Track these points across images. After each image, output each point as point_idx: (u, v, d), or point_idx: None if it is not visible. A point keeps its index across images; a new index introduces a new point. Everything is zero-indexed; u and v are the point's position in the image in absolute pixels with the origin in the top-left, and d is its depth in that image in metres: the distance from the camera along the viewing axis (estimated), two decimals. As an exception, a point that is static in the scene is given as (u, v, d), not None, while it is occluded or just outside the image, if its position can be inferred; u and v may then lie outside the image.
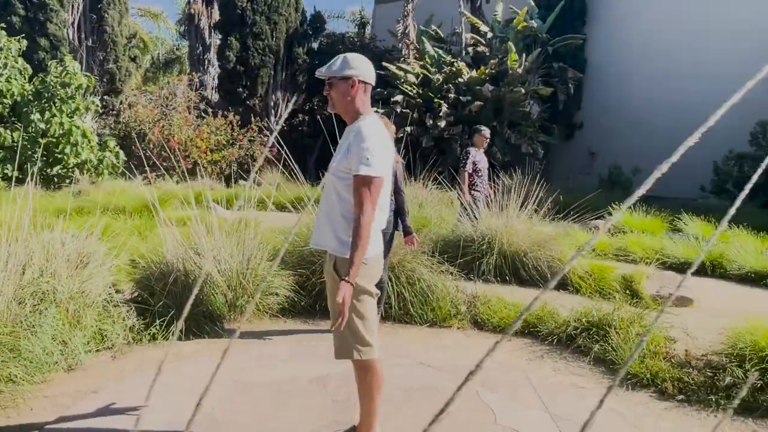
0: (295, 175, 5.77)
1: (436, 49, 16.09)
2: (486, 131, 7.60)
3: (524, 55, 14.68)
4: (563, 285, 5.83)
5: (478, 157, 7.45)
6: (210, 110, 16.14)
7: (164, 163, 14.28)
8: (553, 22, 16.56)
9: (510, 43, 14.42)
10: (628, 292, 5.61)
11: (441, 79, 14.49)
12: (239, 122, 15.80)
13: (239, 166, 15.37)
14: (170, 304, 4.28)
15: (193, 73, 19.13)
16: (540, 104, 14.82)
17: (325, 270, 2.63)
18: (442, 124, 14.05)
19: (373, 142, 2.41)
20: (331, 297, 2.59)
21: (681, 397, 3.48)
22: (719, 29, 15.82)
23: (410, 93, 14.67)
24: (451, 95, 14.22)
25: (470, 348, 4.29)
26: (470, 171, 7.11)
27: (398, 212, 4.36)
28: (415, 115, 14.28)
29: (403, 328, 4.65)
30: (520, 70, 14.24)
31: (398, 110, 14.30)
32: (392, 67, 15.11)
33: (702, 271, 6.82)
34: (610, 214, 9.50)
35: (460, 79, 14.54)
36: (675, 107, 16.43)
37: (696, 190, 14.56)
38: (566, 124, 17.29)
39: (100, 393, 3.33)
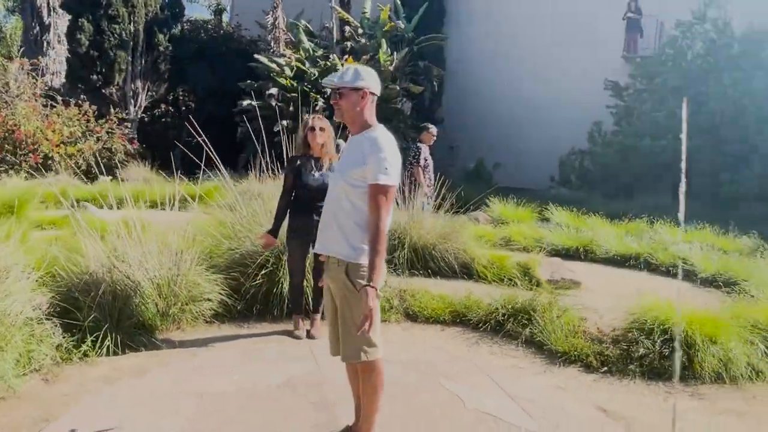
0: (162, 169, 5.56)
1: (310, 42, 16.06)
2: (434, 129, 7.96)
3: (395, 53, 15.22)
4: (470, 274, 6.28)
5: (426, 153, 7.86)
6: (58, 99, 14.59)
7: (8, 158, 12.73)
8: (418, 23, 17.37)
9: (383, 41, 14.86)
10: (526, 278, 6.21)
11: (317, 74, 14.52)
12: (95, 113, 14.50)
13: (97, 160, 14.12)
14: (101, 317, 3.98)
15: (39, 58, 17.09)
16: (411, 101, 15.48)
17: (331, 276, 2.67)
18: (319, 118, 14.11)
19: (391, 152, 2.52)
20: (340, 302, 2.64)
21: (605, 369, 4.02)
22: (567, 33, 17.62)
23: (286, 86, 14.52)
24: (328, 90, 14.31)
25: (411, 341, 4.52)
26: (422, 166, 7.52)
27: None
28: (291, 108, 14.17)
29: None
30: (391, 68, 14.74)
31: (273, 103, 14.09)
32: (264, 59, 14.83)
33: (576, 256, 7.72)
34: (486, 205, 10.37)
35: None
36: (525, 105, 18.16)
37: (547, 181, 16.19)
38: (430, 121, 18.26)
39: (52, 422, 3.05)
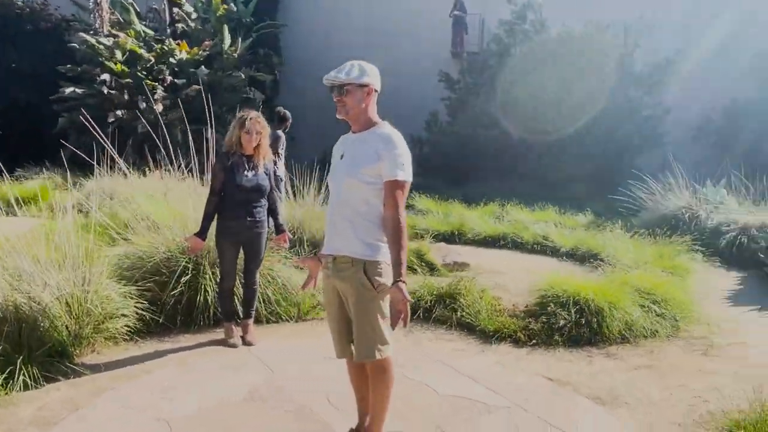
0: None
1: (142, 24, 14.70)
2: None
3: (240, 40, 14.63)
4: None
5: None
6: None
7: None
8: (255, 8, 16.87)
9: (224, 27, 14.17)
10: (423, 263, 6.52)
11: (152, 59, 13.38)
12: None
13: None
14: (10, 349, 3.37)
15: None
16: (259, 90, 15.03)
17: (342, 277, 2.58)
18: (159, 108, 13.06)
19: (404, 148, 2.52)
20: (355, 302, 2.58)
21: (533, 342, 4.43)
22: (400, 27, 18.40)
23: (117, 72, 13.16)
24: (168, 77, 13.30)
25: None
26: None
27: (270, 211, 4.26)
28: (125, 97, 12.92)
29: (273, 328, 4.58)
30: (236, 54, 14.15)
31: (105, 91, 12.71)
32: (91, 40, 13.26)
33: (452, 240, 8.27)
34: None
35: (172, 59, 13.68)
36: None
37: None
38: (272, 111, 17.93)
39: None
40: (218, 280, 4.26)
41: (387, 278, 2.54)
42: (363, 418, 2.88)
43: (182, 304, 4.35)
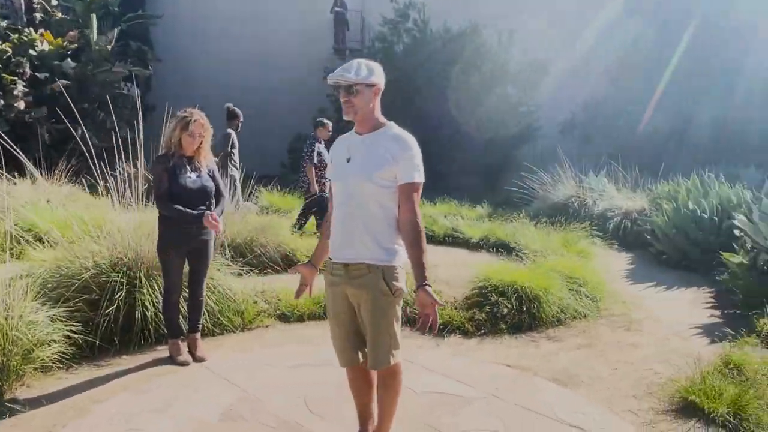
0: None
1: (-7, 12, 13.00)
2: (329, 123, 7.42)
3: (110, 31, 13.47)
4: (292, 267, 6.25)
5: (321, 149, 7.26)
6: None
7: None
8: (122, -1, 15.65)
9: (92, 16, 12.97)
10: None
11: (9, 51, 11.91)
12: None
13: None
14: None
15: None
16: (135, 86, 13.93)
17: (357, 284, 2.50)
18: (21, 105, 11.69)
19: (417, 149, 2.49)
20: (371, 308, 2.51)
21: (481, 331, 4.61)
22: (280, 22, 18.03)
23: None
24: (27, 71, 11.91)
25: (307, 341, 4.40)
26: (315, 163, 6.97)
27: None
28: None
29: (219, 340, 4.32)
30: (109, 47, 13.03)
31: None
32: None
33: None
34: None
35: (32, 51, 12.28)
36: (248, 92, 18.06)
37: (279, 167, 16.54)
38: (144, 108, 16.76)
39: None
40: (162, 293, 3.93)
41: (402, 282, 2.52)
42: (366, 425, 2.82)
43: (119, 323, 3.95)
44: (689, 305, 5.61)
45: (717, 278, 6.10)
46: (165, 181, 3.71)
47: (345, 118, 2.54)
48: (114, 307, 3.92)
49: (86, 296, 3.93)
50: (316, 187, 7.49)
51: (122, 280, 4.03)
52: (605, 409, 3.40)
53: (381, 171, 2.44)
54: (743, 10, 14.20)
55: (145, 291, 4.08)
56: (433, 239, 8.21)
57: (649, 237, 7.47)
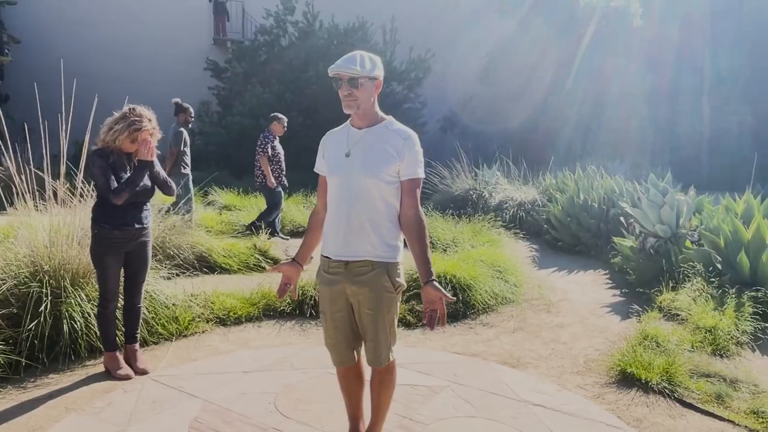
0: None
1: None
2: (285, 119, 7.13)
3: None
4: (211, 268, 5.98)
5: (275, 143, 7.07)
6: None
7: None
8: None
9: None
10: (270, 260, 6.32)
11: None
12: None
13: None
14: None
15: None
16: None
17: (360, 281, 2.43)
18: None
19: (420, 145, 2.49)
20: (374, 305, 2.47)
21: (421, 323, 4.71)
22: (155, 12, 16.90)
23: None
24: None
25: (254, 344, 4.22)
26: (270, 156, 6.57)
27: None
28: None
29: (157, 350, 4.01)
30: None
31: None
32: None
33: (274, 233, 8.10)
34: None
35: None
36: (119, 83, 16.72)
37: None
38: (-3, 97, 14.95)
39: None
40: (97, 302, 3.56)
41: (402, 278, 2.52)
42: (358, 424, 2.79)
43: (46, 338, 3.53)
44: (592, 286, 6.16)
45: (611, 261, 6.76)
46: (110, 175, 3.37)
47: (346, 111, 2.46)
48: (38, 321, 3.50)
49: (4, 310, 3.46)
50: (273, 181, 7.27)
51: (45, 290, 3.60)
52: (558, 386, 3.65)
53: (388, 167, 2.40)
54: (614, 15, 15.67)
55: (71, 301, 3.68)
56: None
57: (546, 226, 8.07)
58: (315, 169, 2.67)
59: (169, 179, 3.69)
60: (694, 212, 6.52)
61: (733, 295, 4.85)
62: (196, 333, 4.33)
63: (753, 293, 4.82)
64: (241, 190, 10.43)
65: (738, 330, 4.38)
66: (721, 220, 5.85)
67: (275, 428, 3.00)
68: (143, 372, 3.60)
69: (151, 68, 16.94)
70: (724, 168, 14.56)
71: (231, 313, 4.59)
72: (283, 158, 7.51)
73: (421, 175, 2.48)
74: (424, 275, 2.40)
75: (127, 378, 3.52)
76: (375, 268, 2.44)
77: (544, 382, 3.71)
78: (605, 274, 6.63)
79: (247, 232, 7.46)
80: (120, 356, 3.63)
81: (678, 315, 4.77)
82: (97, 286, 3.66)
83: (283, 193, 7.76)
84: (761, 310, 4.63)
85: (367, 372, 2.70)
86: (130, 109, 3.46)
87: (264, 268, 6.15)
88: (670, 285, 5.31)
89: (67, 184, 4.06)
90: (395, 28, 15.77)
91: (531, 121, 15.87)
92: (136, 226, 3.51)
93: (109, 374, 3.55)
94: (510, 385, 3.60)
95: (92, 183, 3.52)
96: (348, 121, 2.56)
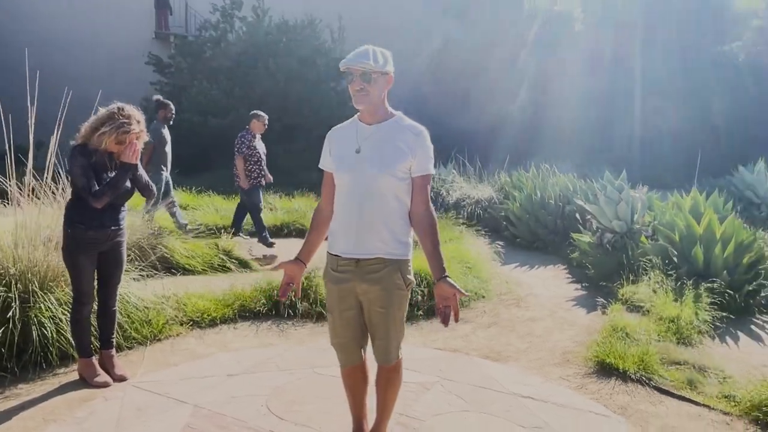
0: None
1: None
2: (265, 117, 6.83)
3: None
4: (170, 270, 5.77)
5: (254, 142, 6.72)
6: None
7: None
8: None
9: None
10: (233, 260, 6.17)
11: None
12: None
13: None
14: None
15: None
16: None
17: (371, 279, 2.39)
18: None
19: (430, 141, 2.48)
20: (386, 303, 2.44)
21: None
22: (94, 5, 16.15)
23: None
24: None
25: (230, 346, 4.10)
26: (247, 155, 6.17)
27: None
28: None
29: (131, 355, 3.83)
30: None
31: None
32: None
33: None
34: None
35: None
36: (57, 77, 15.86)
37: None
38: None
39: None
40: (73, 305, 3.36)
41: (412, 275, 2.51)
42: (362, 423, 2.76)
43: (15, 346, 3.31)
44: (554, 281, 6.35)
45: (569, 256, 6.98)
46: (92, 175, 3.20)
47: (357, 107, 2.43)
48: (5, 327, 3.28)
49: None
50: (245, 182, 7.01)
51: (12, 295, 3.37)
52: (541, 378, 3.74)
53: (401, 163, 2.38)
54: (557, 19, 16.16)
55: (41, 306, 3.47)
56: (303, 234, 8.13)
57: (504, 222, 8.25)
58: (320, 165, 2.61)
59: (150, 183, 3.54)
60: (647, 209, 6.83)
61: (691, 287, 5.11)
62: (170, 336, 4.17)
63: (709, 284, 5.09)
64: (193, 188, 10.12)
65: (698, 319, 4.62)
66: (674, 215, 6.16)
67: (273, 431, 2.93)
68: (122, 378, 3.44)
69: (89, 61, 16.19)
70: (657, 167, 15.32)
71: (205, 315, 4.45)
72: (263, 157, 7.18)
73: (432, 171, 2.47)
74: (437, 272, 2.39)
75: (105, 385, 3.35)
76: (387, 266, 2.42)
77: (527, 374, 3.79)
78: (564, 269, 6.85)
79: (245, 236, 7.43)
80: (96, 362, 3.44)
81: (641, 307, 4.98)
82: (69, 289, 3.47)
83: (261, 192, 7.43)
84: (718, 300, 4.91)
85: (371, 371, 2.68)
86: (118, 108, 3.29)
87: (230, 268, 6.01)
88: (630, 278, 5.54)
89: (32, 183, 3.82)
90: (343, 26, 15.71)
91: (478, 120, 16.16)
92: (113, 227, 3.35)
93: (85, 382, 3.37)
94: (496, 378, 3.66)
95: (70, 180, 3.33)
96: (355, 116, 2.53)
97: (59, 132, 4.07)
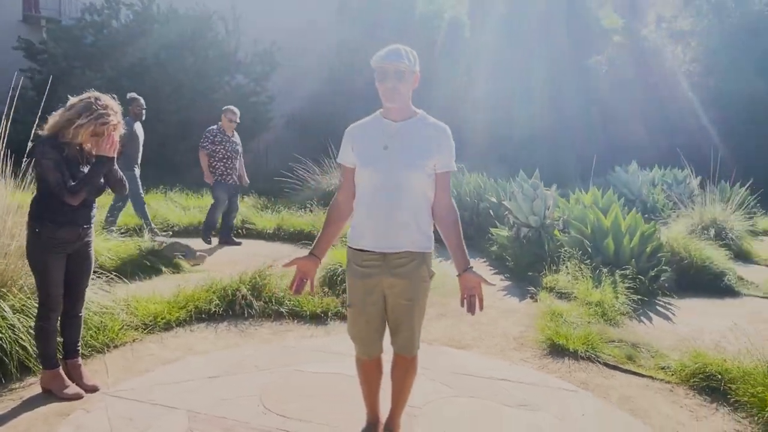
0: None
1: None
2: (231, 111, 6.42)
3: None
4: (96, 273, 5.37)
5: (219, 137, 6.32)
6: None
7: None
8: None
9: None
10: (163, 261, 5.86)
11: None
12: None
13: None
14: None
15: None
16: None
17: (398, 273, 2.47)
18: None
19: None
20: (412, 296, 2.54)
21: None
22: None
23: None
24: None
25: (196, 353, 3.93)
26: (210, 150, 5.41)
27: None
28: None
29: (91, 364, 3.55)
30: None
31: None
32: None
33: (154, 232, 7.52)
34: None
35: None
36: None
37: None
38: None
39: None
40: (39, 313, 3.06)
41: (432, 267, 2.62)
42: (377, 413, 2.83)
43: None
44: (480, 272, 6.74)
45: (489, 249, 7.44)
46: (65, 170, 2.94)
47: (388, 105, 2.49)
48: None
49: None
50: (209, 177, 6.60)
51: (-38, 303, 3.02)
52: (507, 362, 4.03)
53: (430, 160, 2.48)
54: (450, 25, 16.82)
55: (-4, 315, 3.13)
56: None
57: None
58: (339, 161, 2.65)
59: (124, 178, 3.32)
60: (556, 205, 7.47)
61: (607, 274, 5.71)
62: (127, 342, 3.92)
63: (622, 272, 5.72)
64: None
65: (619, 303, 5.19)
66: (583, 210, 6.81)
67: (280, 429, 2.91)
68: (93, 389, 3.20)
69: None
70: (537, 167, 16.66)
71: (159, 319, 4.22)
72: (232, 154, 6.71)
73: (455, 167, 2.61)
74: (463, 263, 2.53)
75: (77, 397, 3.10)
76: (414, 259, 2.52)
77: (492, 359, 4.06)
78: (485, 261, 7.28)
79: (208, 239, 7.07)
80: (63, 373, 3.17)
81: (566, 294, 5.48)
82: (23, 295, 3.17)
83: (227, 191, 6.91)
84: (631, 286, 5.53)
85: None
86: (95, 98, 3.04)
87: (161, 269, 5.70)
88: (552, 268, 6.05)
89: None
90: (238, 17, 15.27)
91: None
92: (84, 226, 3.11)
93: (51, 395, 3.10)
94: (467, 365, 3.89)
95: (37, 175, 3.03)
96: (378, 113, 2.59)
97: None
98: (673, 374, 3.88)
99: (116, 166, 3.20)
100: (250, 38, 15.22)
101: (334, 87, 17.32)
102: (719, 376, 3.62)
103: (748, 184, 8.94)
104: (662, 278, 6.01)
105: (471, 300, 2.52)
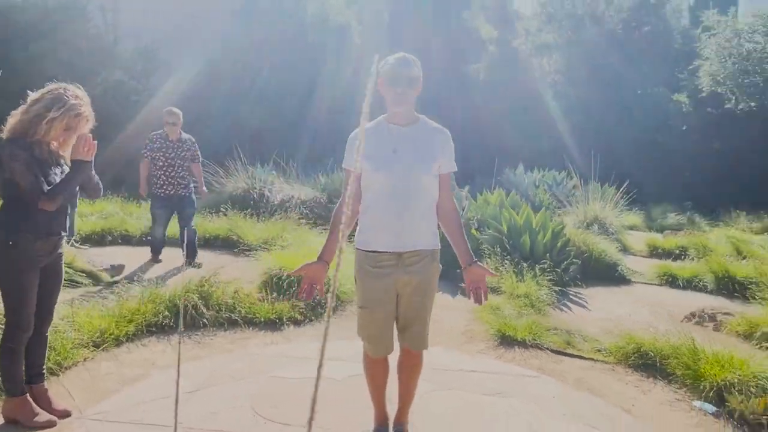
0: None
1: None
2: (171, 113, 5.69)
3: None
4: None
5: (159, 143, 5.59)
6: None
7: None
8: None
9: None
10: (82, 273, 5.40)
11: None
12: None
13: None
14: None
15: None
16: None
17: (413, 271, 2.57)
18: None
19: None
20: (423, 293, 2.63)
21: (309, 318, 4.78)
22: None
23: None
24: None
25: (160, 368, 3.70)
26: (150, 158, 4.57)
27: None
28: None
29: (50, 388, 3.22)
30: None
31: None
32: None
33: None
34: None
35: None
36: None
37: None
38: None
39: None
40: (6, 335, 2.74)
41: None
42: (385, 409, 2.90)
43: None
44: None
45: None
46: (38, 172, 2.66)
47: (395, 109, 2.57)
48: None
49: None
50: (144, 187, 6.01)
51: None
52: (467, 355, 4.26)
53: (435, 162, 2.61)
54: (337, 29, 16.90)
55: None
56: (128, 240, 7.40)
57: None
58: (345, 166, 2.69)
59: (99, 182, 3.06)
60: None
61: (528, 269, 6.18)
62: (79, 362, 3.60)
63: (540, 266, 6.23)
64: None
65: (543, 294, 5.66)
66: (495, 210, 7.29)
67: (282, 435, 2.87)
68: (65, 414, 2.94)
69: None
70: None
71: (107, 335, 3.92)
72: (175, 162, 5.77)
73: (456, 168, 2.76)
74: (467, 257, 2.68)
75: (50, 425, 2.83)
76: (426, 256, 2.65)
77: (453, 353, 4.27)
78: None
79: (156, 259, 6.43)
80: (31, 400, 2.87)
81: (495, 288, 5.86)
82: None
83: (166, 205, 6.05)
84: (549, 279, 6.04)
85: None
86: (63, 89, 2.78)
87: (79, 282, 5.25)
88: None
89: None
90: (117, 9, 14.27)
91: (260, 121, 16.14)
92: (62, 233, 2.86)
93: (18, 425, 2.79)
94: (436, 360, 4.04)
95: (6, 180, 2.70)
96: (381, 118, 2.67)
97: None
98: (609, 355, 4.34)
99: (93, 171, 2.96)
100: (130, 34, 14.30)
101: (218, 86, 16.75)
102: (652, 354, 4.12)
103: (625, 184, 10.04)
104: (571, 270, 6.63)
105: (477, 292, 2.67)
